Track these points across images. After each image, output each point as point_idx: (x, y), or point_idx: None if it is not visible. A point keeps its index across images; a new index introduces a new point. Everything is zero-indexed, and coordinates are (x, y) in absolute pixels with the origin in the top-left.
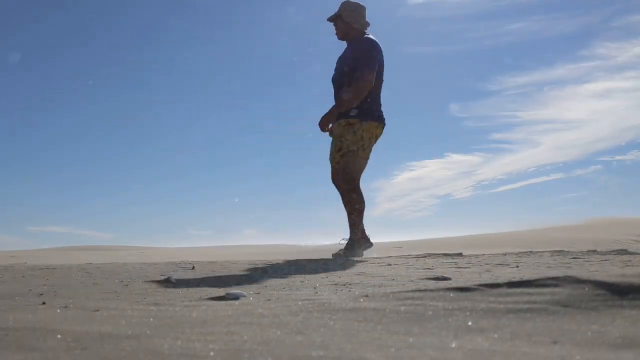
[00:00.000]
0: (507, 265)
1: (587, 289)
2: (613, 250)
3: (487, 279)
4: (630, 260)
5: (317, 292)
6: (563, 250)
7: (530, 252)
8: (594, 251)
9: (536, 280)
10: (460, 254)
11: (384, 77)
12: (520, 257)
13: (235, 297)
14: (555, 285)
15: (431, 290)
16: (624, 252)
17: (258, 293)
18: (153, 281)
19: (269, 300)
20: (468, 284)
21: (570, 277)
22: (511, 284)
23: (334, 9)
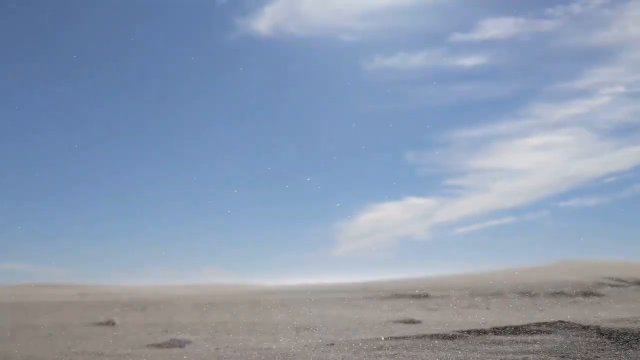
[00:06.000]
0: (477, 307)
1: (582, 337)
2: (579, 292)
3: (464, 323)
4: (599, 303)
5: (275, 338)
6: (529, 292)
7: (497, 293)
8: (562, 293)
9: (525, 326)
10: (426, 295)
11: None
12: (488, 298)
13: (181, 344)
14: (547, 332)
15: (407, 338)
16: (589, 294)
17: (208, 339)
18: (95, 323)
19: (218, 348)
20: (447, 329)
21: (562, 322)
22: (497, 331)
23: None
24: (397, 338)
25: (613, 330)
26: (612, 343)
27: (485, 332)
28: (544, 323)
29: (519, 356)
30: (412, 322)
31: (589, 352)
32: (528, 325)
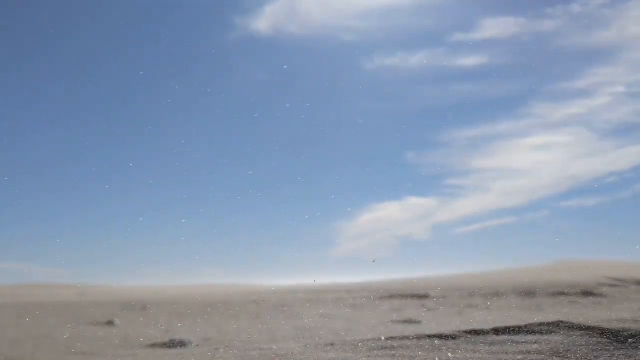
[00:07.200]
0: (477, 307)
1: (582, 337)
2: (579, 292)
3: (464, 323)
4: (599, 303)
5: (276, 339)
6: (529, 292)
7: (497, 293)
8: (562, 293)
9: (525, 326)
10: (426, 295)
11: None
12: (488, 298)
13: (181, 345)
14: (547, 332)
15: (407, 338)
16: (589, 294)
17: (208, 339)
18: (95, 323)
19: (217, 349)
20: (447, 329)
21: (562, 322)
22: (498, 331)
23: None
24: (397, 338)
25: (613, 331)
26: (612, 343)
27: (485, 332)
28: (544, 323)
29: (519, 356)
30: (412, 322)
31: (589, 352)
32: (528, 325)
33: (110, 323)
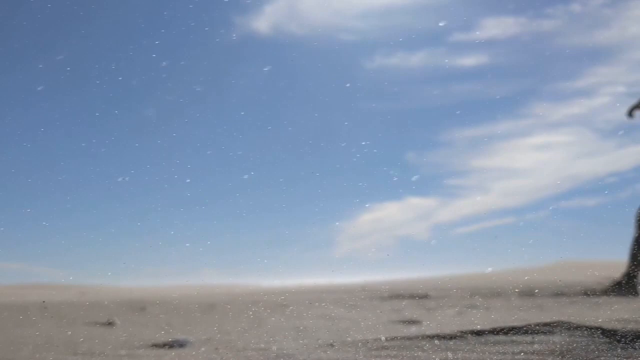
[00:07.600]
0: (477, 307)
1: (583, 337)
2: (579, 292)
3: (464, 323)
4: (600, 303)
5: (275, 339)
6: (529, 292)
7: (497, 293)
8: (562, 293)
9: (525, 326)
10: (426, 295)
11: None
12: (488, 299)
13: (181, 345)
14: (547, 332)
15: (407, 338)
16: (591, 294)
17: (208, 339)
18: (96, 323)
19: (217, 349)
20: (447, 329)
21: (562, 322)
22: (498, 331)
23: None
24: (397, 338)
25: (614, 331)
26: (613, 343)
27: (485, 332)
28: (544, 323)
29: (519, 356)
30: (412, 322)
31: (590, 352)
32: (528, 325)
33: (110, 323)
